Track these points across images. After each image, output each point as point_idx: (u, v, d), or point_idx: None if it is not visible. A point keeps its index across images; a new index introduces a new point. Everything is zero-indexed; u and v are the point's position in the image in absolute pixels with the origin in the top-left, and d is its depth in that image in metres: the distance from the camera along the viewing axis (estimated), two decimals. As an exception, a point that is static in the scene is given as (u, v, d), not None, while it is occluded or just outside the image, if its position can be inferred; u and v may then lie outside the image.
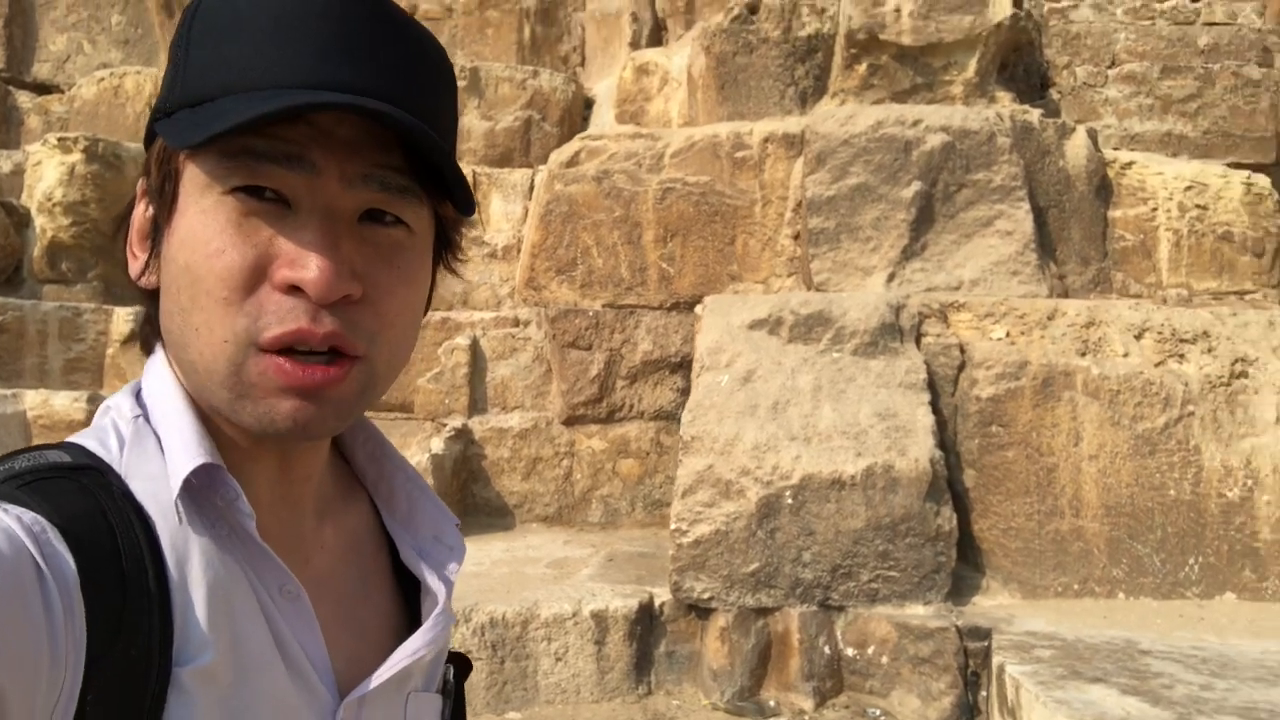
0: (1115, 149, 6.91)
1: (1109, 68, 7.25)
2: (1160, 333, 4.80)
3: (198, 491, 0.64)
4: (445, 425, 6.25)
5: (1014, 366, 4.66)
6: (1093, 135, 6.29)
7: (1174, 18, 7.40)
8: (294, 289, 0.61)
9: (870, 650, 4.17)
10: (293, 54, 0.61)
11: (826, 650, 4.19)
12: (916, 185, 5.54)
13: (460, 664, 0.86)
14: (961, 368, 4.75)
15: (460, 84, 8.48)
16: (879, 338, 4.79)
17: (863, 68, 6.62)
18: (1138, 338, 4.80)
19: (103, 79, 8.93)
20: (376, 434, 0.83)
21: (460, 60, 8.87)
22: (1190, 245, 6.15)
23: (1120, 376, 4.64)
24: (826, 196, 5.64)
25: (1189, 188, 6.15)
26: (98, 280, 7.57)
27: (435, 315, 6.74)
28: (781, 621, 4.23)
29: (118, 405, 0.68)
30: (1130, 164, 6.30)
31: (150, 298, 0.68)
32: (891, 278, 5.39)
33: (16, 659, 0.50)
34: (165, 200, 0.64)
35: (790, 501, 4.21)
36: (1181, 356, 4.78)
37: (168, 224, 0.65)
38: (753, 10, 7.08)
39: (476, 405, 6.47)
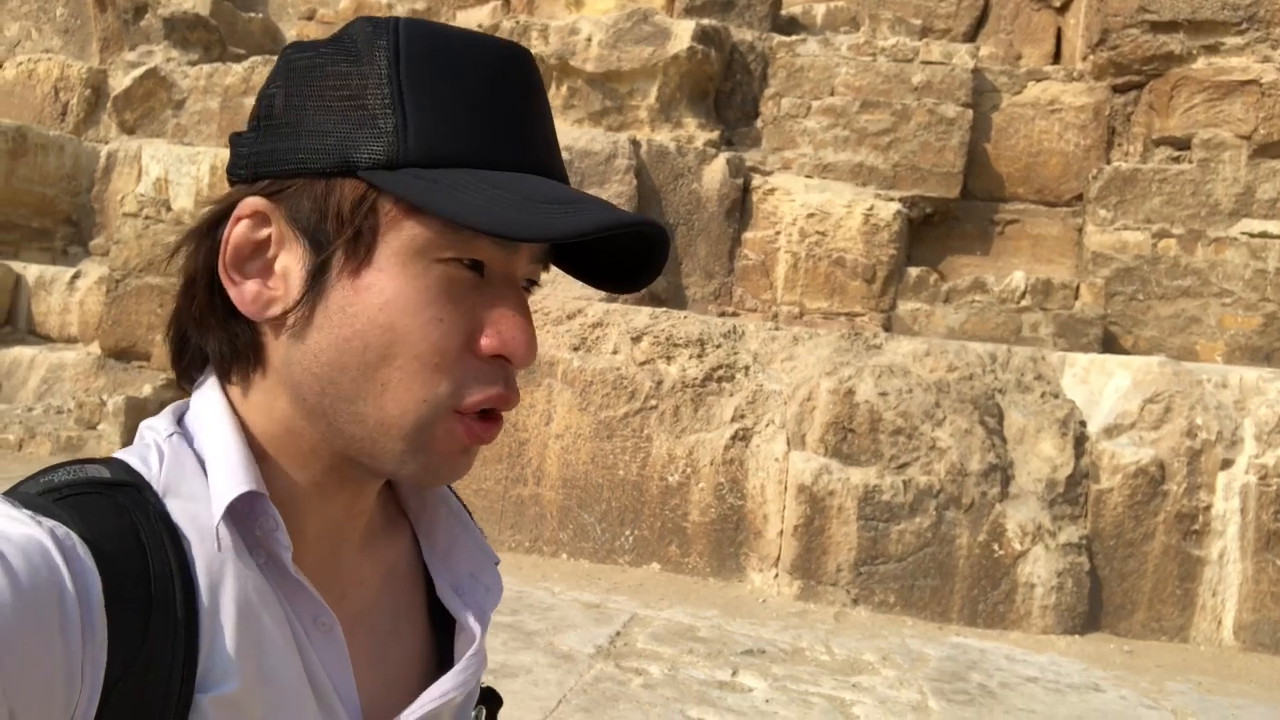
0: (808, 177, 7.48)
1: (814, 100, 7.80)
2: (657, 337, 5.50)
3: (238, 518, 0.64)
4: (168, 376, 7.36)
5: (510, 354, 5.43)
6: (734, 163, 6.92)
7: (894, 55, 7.87)
8: (498, 357, 0.64)
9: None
10: (502, 128, 0.63)
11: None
12: (523, 195, 6.32)
13: (491, 701, 0.84)
14: (479, 352, 5.55)
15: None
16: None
17: (564, 89, 7.42)
18: (636, 340, 5.50)
19: (21, 63, 10.43)
20: None
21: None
22: (807, 268, 6.72)
23: (597, 370, 5.37)
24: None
25: (811, 215, 6.74)
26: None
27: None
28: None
29: (155, 425, 0.68)
30: (772, 190, 6.92)
31: (243, 323, 0.66)
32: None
33: (28, 678, 0.50)
34: (357, 250, 0.63)
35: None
36: (670, 359, 5.46)
37: (354, 274, 0.63)
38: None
39: (205, 360, 7.56)
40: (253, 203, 0.64)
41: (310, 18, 11.74)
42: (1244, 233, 7.03)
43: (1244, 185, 7.21)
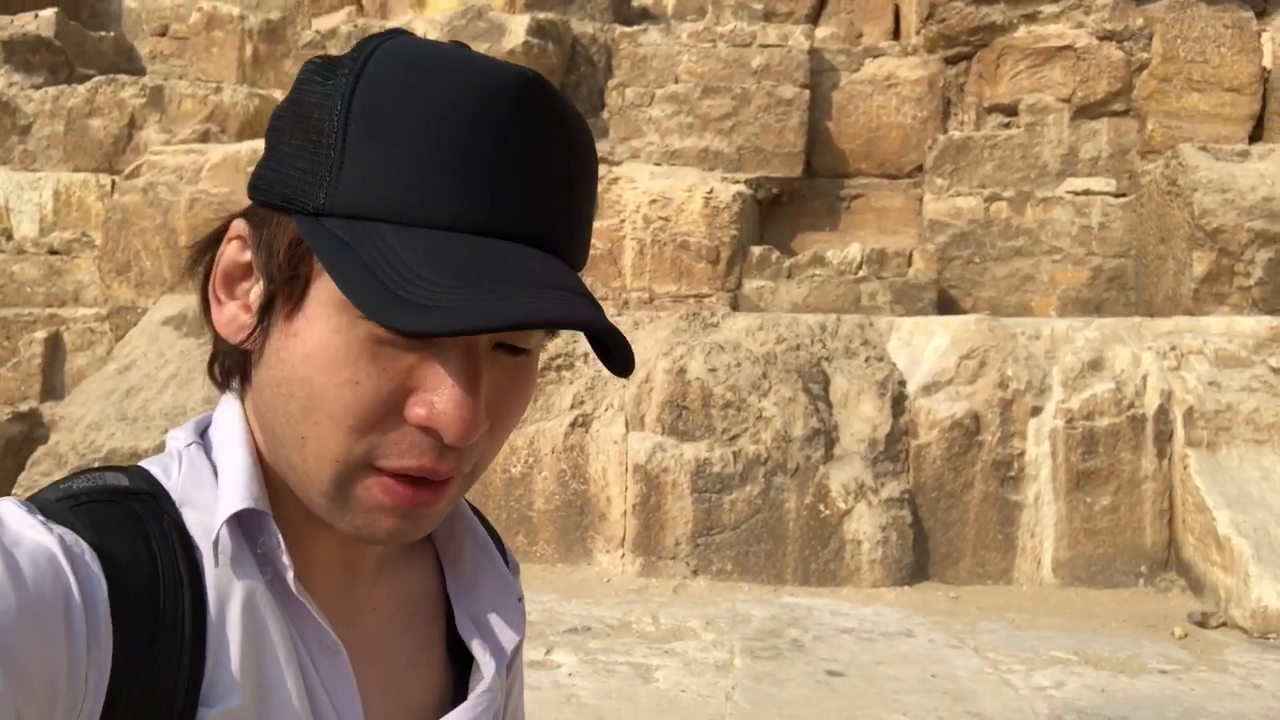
0: (656, 165, 7.59)
1: (657, 88, 7.92)
2: (495, 330, 5.54)
3: (247, 532, 0.63)
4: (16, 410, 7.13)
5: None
6: (575, 153, 6.98)
7: (733, 40, 8.04)
8: (428, 429, 0.58)
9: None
10: (468, 181, 0.56)
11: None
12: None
13: None
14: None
15: (140, 100, 9.34)
16: (254, 333, 5.58)
17: (404, 91, 7.39)
18: (473, 335, 5.54)
19: None
20: None
21: (149, 79, 9.70)
22: (653, 253, 6.84)
23: (434, 368, 5.39)
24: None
25: (654, 201, 6.84)
26: None
27: (42, 312, 7.64)
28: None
29: (176, 435, 0.68)
30: (616, 180, 7.01)
31: (233, 346, 0.65)
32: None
33: (33, 682, 0.50)
34: (291, 294, 0.60)
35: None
36: (508, 351, 5.51)
37: (288, 318, 0.60)
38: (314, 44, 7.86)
39: (54, 392, 7.35)
40: (237, 225, 0.63)
41: (163, 33, 11.49)
42: (1069, 191, 7.36)
43: (1068, 146, 7.55)
